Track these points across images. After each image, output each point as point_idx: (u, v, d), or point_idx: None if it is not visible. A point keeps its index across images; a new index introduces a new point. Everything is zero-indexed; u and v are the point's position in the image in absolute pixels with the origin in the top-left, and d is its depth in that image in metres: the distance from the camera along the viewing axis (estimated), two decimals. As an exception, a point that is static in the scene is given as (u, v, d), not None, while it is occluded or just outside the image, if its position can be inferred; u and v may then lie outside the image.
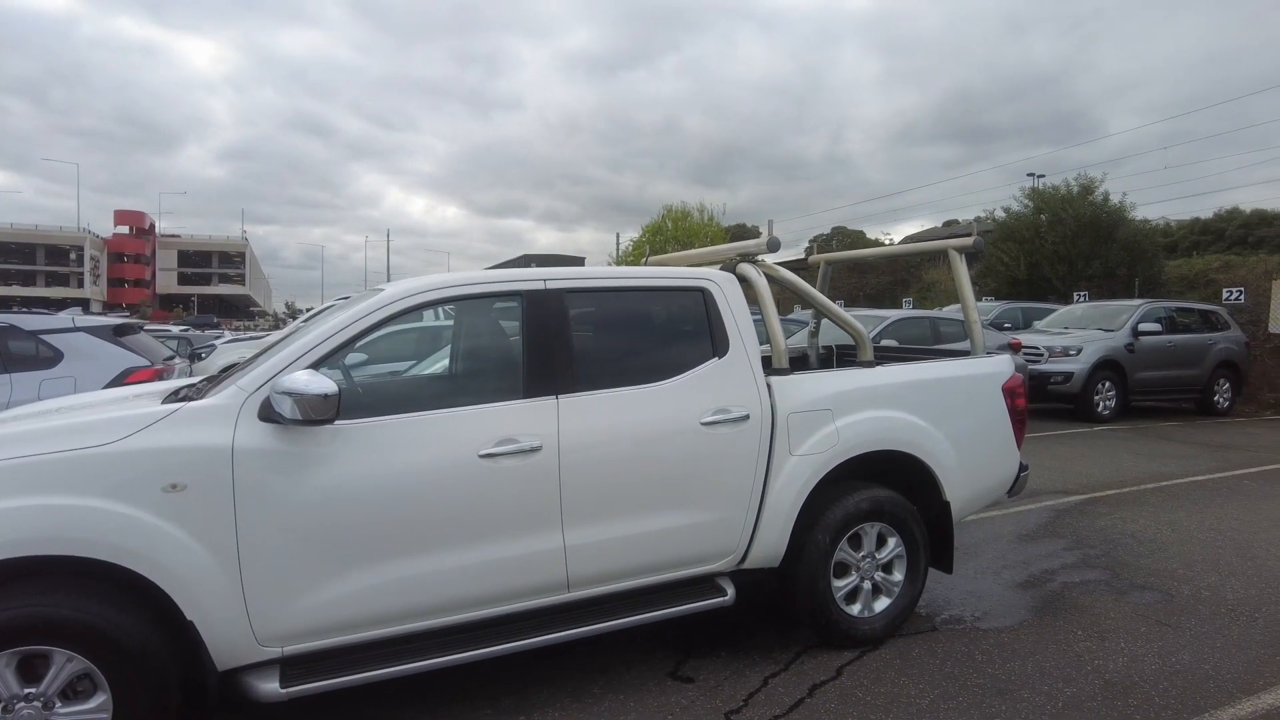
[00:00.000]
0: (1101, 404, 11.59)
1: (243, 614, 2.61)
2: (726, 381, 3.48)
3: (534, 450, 3.05)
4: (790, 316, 12.16)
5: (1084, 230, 19.92)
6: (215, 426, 2.64)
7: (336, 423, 2.73)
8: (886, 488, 3.87)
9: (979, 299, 20.45)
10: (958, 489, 3.98)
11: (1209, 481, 7.57)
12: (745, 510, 3.49)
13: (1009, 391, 4.21)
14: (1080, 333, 12.23)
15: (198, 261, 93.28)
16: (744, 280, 3.76)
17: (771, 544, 3.54)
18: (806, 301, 4.04)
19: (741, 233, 39.79)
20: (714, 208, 35.60)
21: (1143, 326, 12.02)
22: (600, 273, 3.45)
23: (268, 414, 2.67)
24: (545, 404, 3.14)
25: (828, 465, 3.60)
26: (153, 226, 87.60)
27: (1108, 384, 11.62)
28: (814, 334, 5.64)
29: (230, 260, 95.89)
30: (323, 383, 2.59)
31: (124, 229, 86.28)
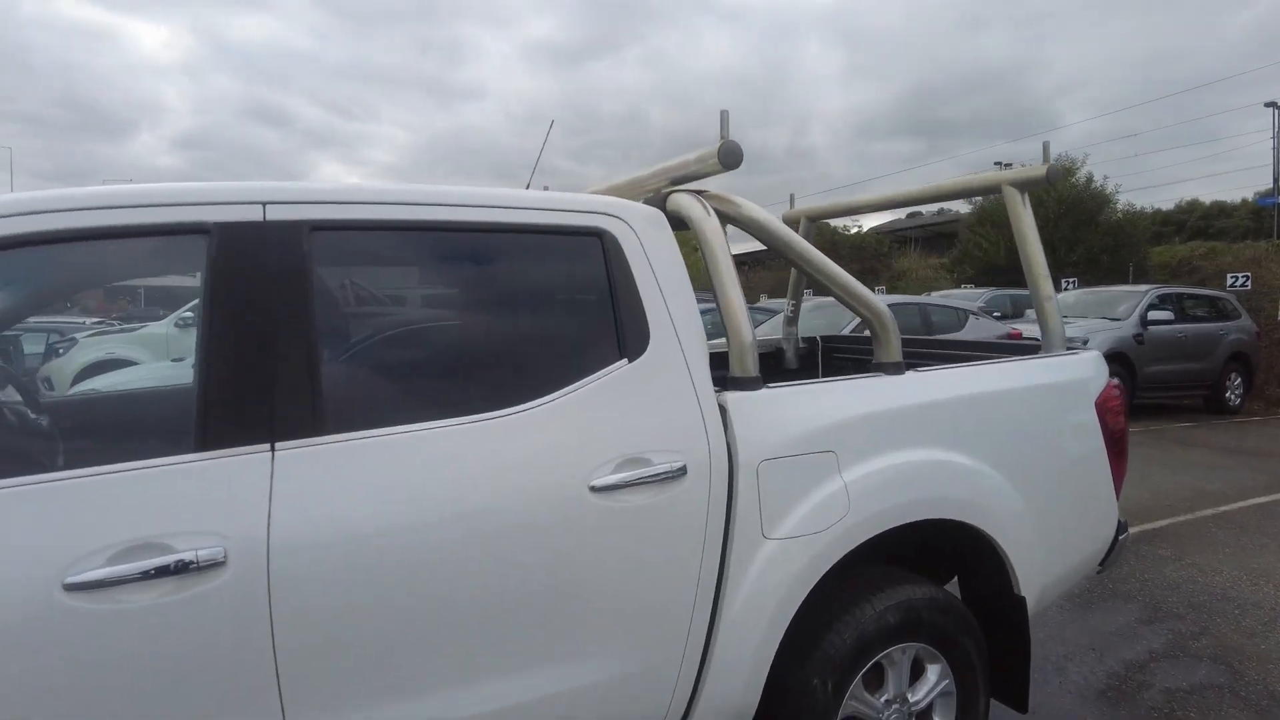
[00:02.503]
0: (1108, 403, 10.15)
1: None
2: (642, 404, 1.84)
3: (201, 569, 1.39)
4: (756, 305, 10.31)
5: (1066, 214, 18.73)
6: None
7: None
8: (923, 579, 2.27)
9: (956, 286, 19.22)
10: (1036, 572, 2.38)
11: (1272, 505, 6.12)
12: (678, 650, 1.86)
13: (1104, 409, 2.63)
14: (1082, 322, 10.80)
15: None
16: (680, 223, 2.12)
17: (731, 701, 1.92)
18: (791, 261, 2.37)
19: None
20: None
21: (1152, 315, 10.63)
22: (385, 193, 1.75)
23: None
24: (243, 463, 1.48)
25: (829, 555, 1.98)
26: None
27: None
28: (791, 321, 3.97)
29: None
30: None
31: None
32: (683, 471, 1.81)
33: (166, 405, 2.30)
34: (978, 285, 18.13)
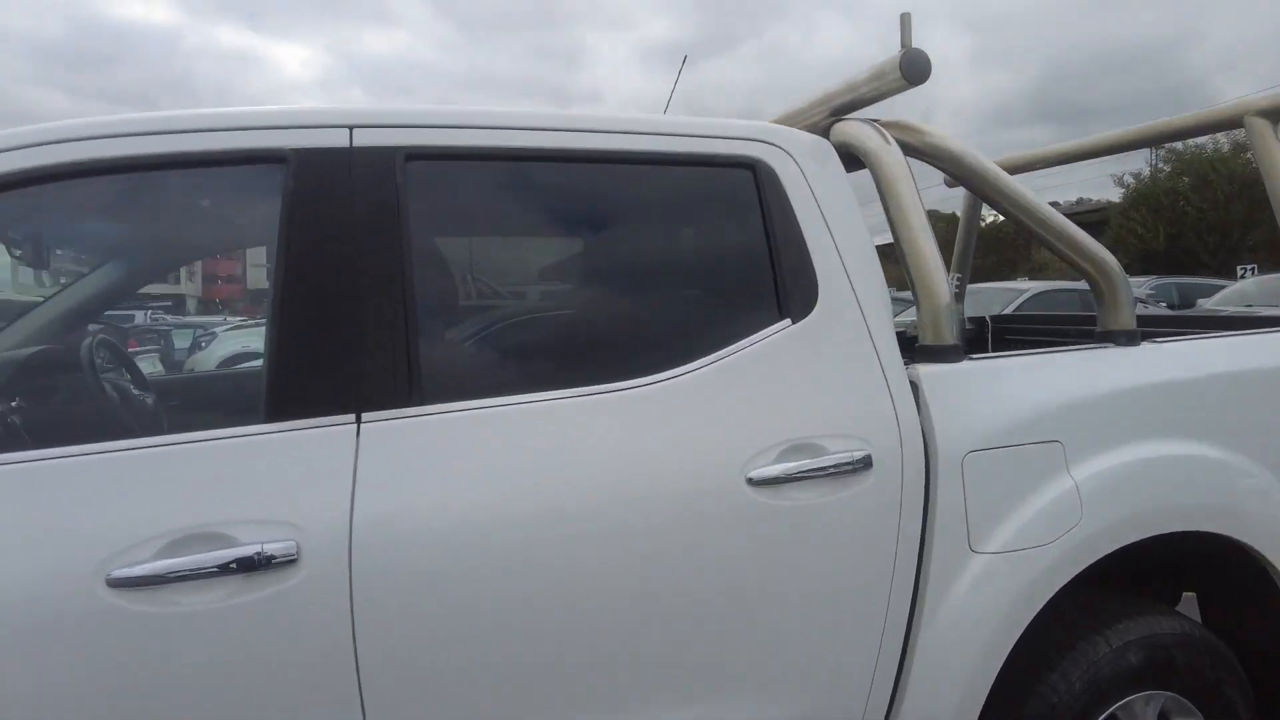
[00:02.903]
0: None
1: None
2: (811, 376, 1.45)
3: (269, 567, 1.11)
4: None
5: (1240, 194, 16.82)
6: None
7: None
8: (1169, 609, 1.76)
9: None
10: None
11: None
12: (858, 692, 1.45)
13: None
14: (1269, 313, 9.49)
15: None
16: (853, 155, 1.71)
17: (920, 758, 1.50)
18: (994, 203, 1.86)
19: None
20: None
21: (1359, 303, 9.19)
22: (493, 116, 1.41)
23: None
24: (321, 438, 1.19)
25: (1055, 577, 1.52)
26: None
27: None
28: (957, 293, 3.44)
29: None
30: None
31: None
32: (866, 464, 1.41)
33: (246, 379, 2.09)
34: (1134, 274, 16.55)
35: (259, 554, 1.10)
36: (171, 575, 1.08)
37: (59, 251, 1.76)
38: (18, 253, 1.81)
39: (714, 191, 1.54)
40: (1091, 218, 30.73)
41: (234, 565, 1.09)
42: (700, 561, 1.32)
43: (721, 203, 1.54)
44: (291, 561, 1.12)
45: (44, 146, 1.19)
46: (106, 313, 2.20)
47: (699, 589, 1.33)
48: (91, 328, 2.08)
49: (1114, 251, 1.90)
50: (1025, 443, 1.53)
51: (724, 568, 1.34)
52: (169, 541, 1.09)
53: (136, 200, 1.37)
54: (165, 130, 1.24)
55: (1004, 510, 1.50)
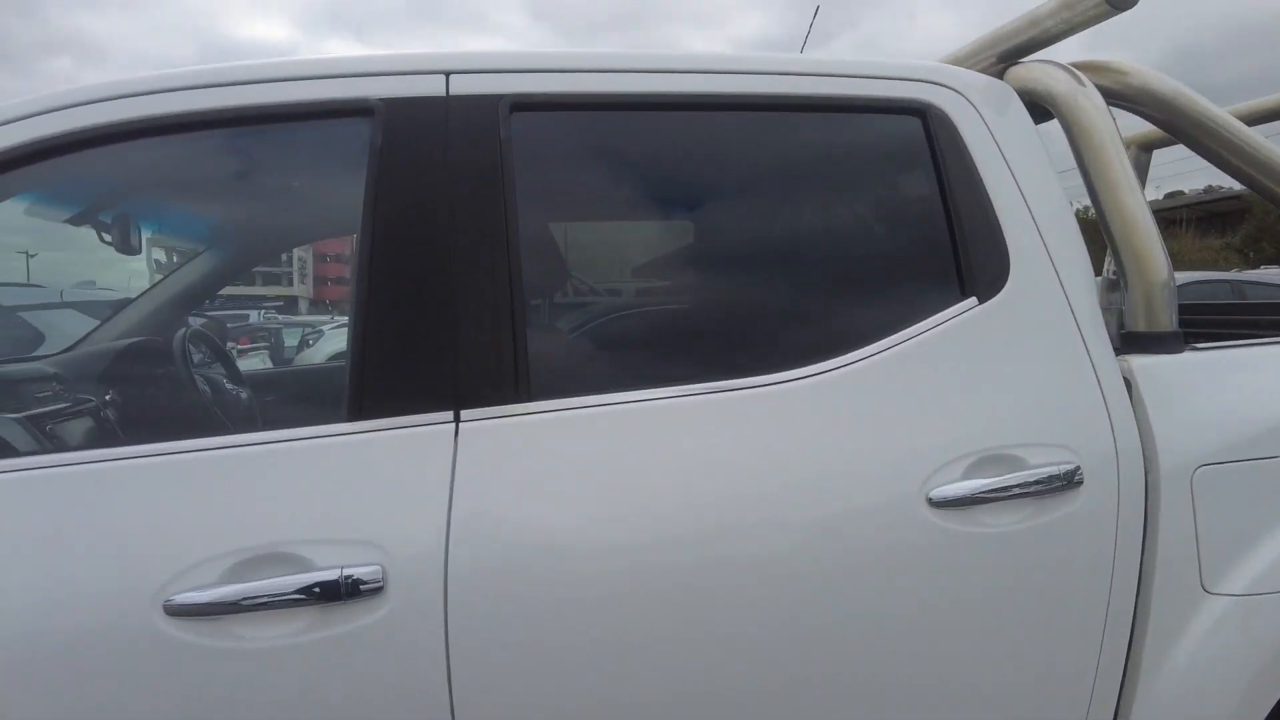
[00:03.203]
0: None
1: None
2: (1004, 370, 1.16)
3: (351, 595, 0.91)
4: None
5: None
6: None
7: None
8: None
9: (1252, 268, 15.82)
10: None
11: None
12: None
13: None
14: None
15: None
16: (1040, 103, 1.40)
17: None
18: (1222, 160, 1.48)
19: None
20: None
21: None
22: (616, 59, 1.17)
23: None
24: (413, 440, 0.99)
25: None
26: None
27: None
28: (1113, 286, 3.01)
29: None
30: None
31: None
32: (1073, 480, 1.12)
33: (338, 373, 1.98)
34: (1281, 265, 15.08)
35: (341, 580, 0.91)
36: (243, 603, 0.90)
37: (145, 233, 1.65)
38: (108, 238, 1.72)
39: (874, 144, 1.27)
40: (1222, 206, 28.32)
41: (311, 593, 0.91)
42: (865, 602, 1.06)
43: (884, 158, 1.28)
44: (377, 590, 0.93)
45: (73, 109, 1.04)
46: (199, 311, 2.12)
47: (863, 636, 1.07)
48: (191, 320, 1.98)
49: (1256, 241, 1.52)
50: (1275, 455, 1.20)
51: (896, 610, 1.07)
52: (235, 562, 0.92)
53: (195, 169, 1.21)
54: (226, 82, 1.07)
55: (1248, 541, 1.18)
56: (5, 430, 1.34)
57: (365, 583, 0.92)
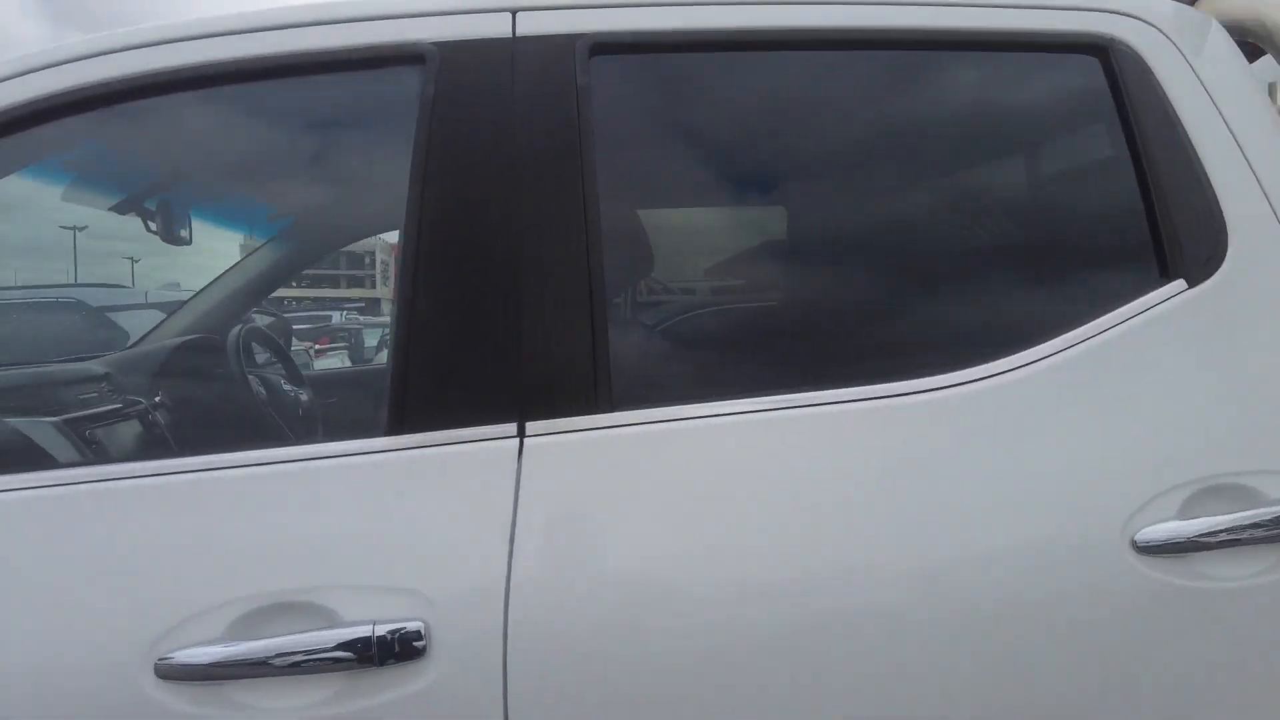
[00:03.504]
0: None
1: None
2: (1228, 373, 0.89)
3: (385, 658, 0.72)
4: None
5: None
6: None
7: None
8: None
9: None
10: None
11: None
12: None
13: None
14: None
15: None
16: (1249, 39, 1.11)
17: None
18: None
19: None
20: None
21: None
22: None
23: None
24: (466, 458, 0.79)
25: None
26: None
27: None
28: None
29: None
30: None
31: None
32: (1328, 519, 0.84)
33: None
34: None
35: (374, 638, 0.72)
36: (252, 665, 0.72)
37: (187, 222, 1.52)
38: (154, 227, 1.60)
39: (1044, 90, 1.01)
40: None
41: (337, 654, 0.72)
42: (1050, 670, 0.81)
43: (1056, 107, 1.02)
44: (419, 652, 0.73)
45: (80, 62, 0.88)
46: (261, 308, 2.01)
47: (1048, 711, 0.82)
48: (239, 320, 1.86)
49: None
50: None
51: (1092, 681, 0.82)
52: (245, 612, 0.73)
53: (215, 138, 1.04)
54: (249, 29, 0.89)
55: None
56: (40, 435, 1.22)
57: (404, 642, 0.72)
